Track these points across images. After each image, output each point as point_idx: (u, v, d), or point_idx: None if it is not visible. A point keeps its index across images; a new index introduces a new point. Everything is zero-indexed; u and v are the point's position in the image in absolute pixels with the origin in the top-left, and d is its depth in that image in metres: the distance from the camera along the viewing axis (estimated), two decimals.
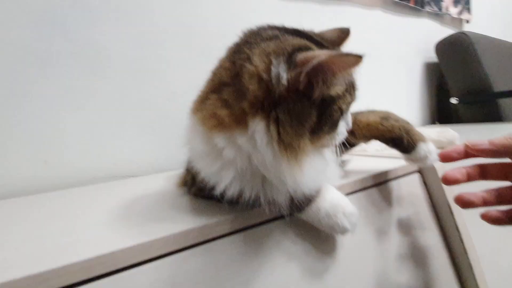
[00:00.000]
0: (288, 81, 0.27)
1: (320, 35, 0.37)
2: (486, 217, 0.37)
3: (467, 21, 1.62)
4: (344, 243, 0.39)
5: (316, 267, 0.36)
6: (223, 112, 0.29)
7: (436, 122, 1.49)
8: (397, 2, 1.30)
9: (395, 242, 0.45)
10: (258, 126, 0.28)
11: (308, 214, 0.34)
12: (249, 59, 0.29)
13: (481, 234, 0.51)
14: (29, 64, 0.60)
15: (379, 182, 0.48)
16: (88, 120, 0.66)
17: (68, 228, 0.33)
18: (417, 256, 0.46)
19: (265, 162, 0.28)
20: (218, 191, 0.31)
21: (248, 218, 0.33)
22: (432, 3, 1.43)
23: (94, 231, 0.31)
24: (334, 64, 0.27)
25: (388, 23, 1.32)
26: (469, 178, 0.37)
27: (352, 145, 0.47)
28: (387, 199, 0.48)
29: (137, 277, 0.25)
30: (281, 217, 0.34)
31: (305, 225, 0.35)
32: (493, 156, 0.35)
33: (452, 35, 1.29)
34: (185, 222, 0.31)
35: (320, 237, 0.37)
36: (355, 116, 0.45)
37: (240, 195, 0.31)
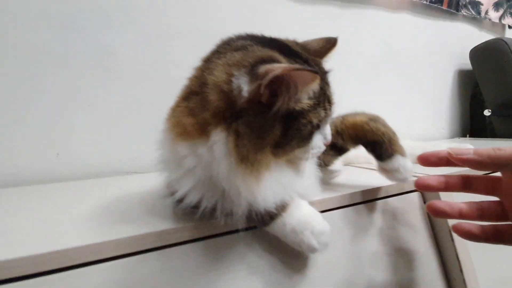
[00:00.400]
0: (249, 93, 0.27)
1: (303, 45, 0.36)
2: (456, 229, 0.34)
3: (510, 27, 1.47)
4: (318, 261, 0.37)
5: (282, 283, 0.34)
6: (188, 121, 0.30)
7: (467, 135, 1.37)
8: (428, 5, 1.22)
9: (382, 267, 0.42)
10: (217, 137, 0.28)
11: (273, 229, 0.33)
12: (213, 69, 0.29)
13: (485, 268, 0.46)
14: (47, 64, 0.65)
15: (370, 199, 0.45)
16: (97, 117, 0.70)
17: (43, 220, 0.35)
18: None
19: (222, 173, 0.28)
20: (177, 197, 0.31)
21: (210, 227, 0.32)
22: (469, 6, 1.32)
23: (63, 225, 0.33)
24: (291, 78, 0.26)
25: (416, 27, 1.24)
26: (448, 187, 0.34)
27: (341, 149, 0.44)
28: (378, 218, 0.45)
29: (88, 276, 0.26)
30: (247, 228, 0.34)
31: (273, 239, 0.34)
32: (478, 167, 0.32)
33: (488, 41, 1.18)
34: (148, 225, 0.31)
35: (289, 253, 0.35)
36: (344, 116, 0.44)
37: (198, 204, 0.31)
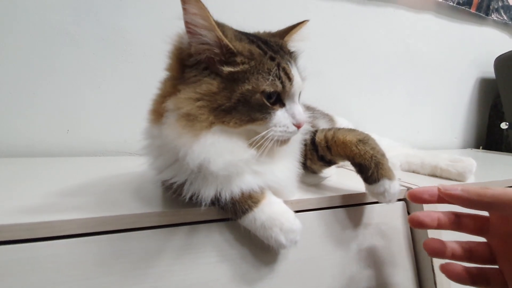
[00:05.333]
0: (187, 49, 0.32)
1: (272, 34, 0.40)
2: (445, 270, 0.34)
3: None
4: (288, 257, 0.39)
5: (250, 273, 0.37)
6: (159, 105, 0.34)
7: (481, 147, 1.32)
8: (455, 6, 1.16)
9: (353, 272, 0.43)
10: (170, 104, 0.32)
11: (245, 222, 0.35)
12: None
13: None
14: (61, 44, 0.68)
15: (351, 204, 0.46)
16: (107, 98, 0.74)
17: (43, 191, 0.39)
18: None
19: (170, 137, 0.31)
20: (155, 174, 0.35)
21: (188, 214, 0.35)
22: (501, 11, 1.24)
23: (55, 198, 0.36)
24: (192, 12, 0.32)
25: (440, 29, 1.18)
26: (440, 225, 0.34)
27: (329, 161, 0.45)
28: (357, 224, 0.45)
29: (72, 246, 0.30)
30: (222, 220, 0.36)
31: (246, 231, 0.36)
32: (466, 205, 0.31)
33: None
34: (130, 207, 0.34)
35: (260, 246, 0.37)
36: (335, 131, 0.43)
37: (170, 181, 0.34)
